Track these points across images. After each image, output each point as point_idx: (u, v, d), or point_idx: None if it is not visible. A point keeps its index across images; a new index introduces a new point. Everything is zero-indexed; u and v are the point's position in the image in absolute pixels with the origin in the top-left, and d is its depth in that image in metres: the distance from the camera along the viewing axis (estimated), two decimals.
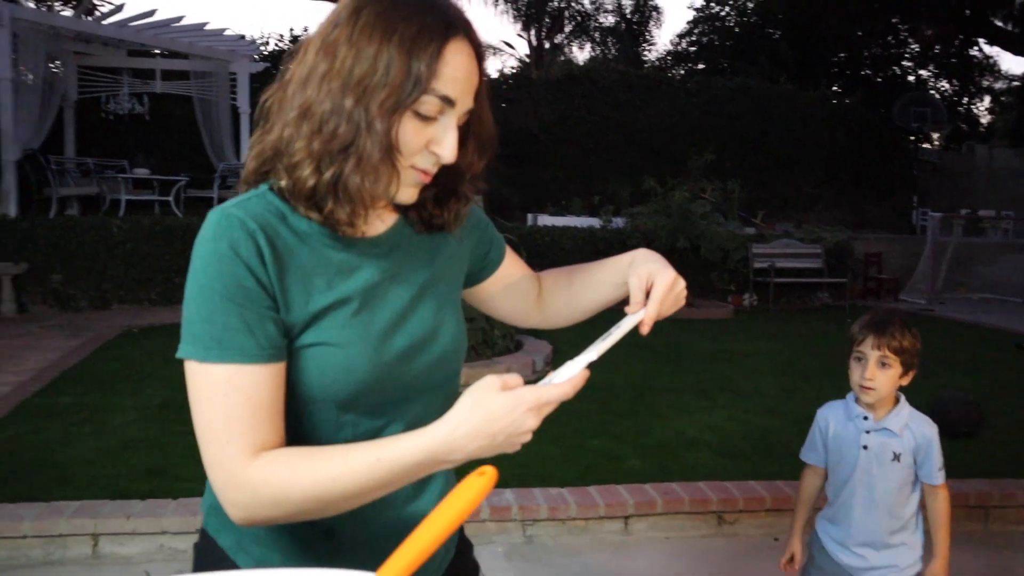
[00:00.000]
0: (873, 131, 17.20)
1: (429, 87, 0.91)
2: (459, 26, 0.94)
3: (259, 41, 13.25)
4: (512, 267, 1.29)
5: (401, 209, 1.07)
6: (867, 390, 2.03)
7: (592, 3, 21.85)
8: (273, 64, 13.10)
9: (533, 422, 0.87)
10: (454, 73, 0.93)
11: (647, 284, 1.07)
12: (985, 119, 26.90)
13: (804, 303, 10.82)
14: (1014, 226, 16.15)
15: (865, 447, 2.09)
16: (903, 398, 2.14)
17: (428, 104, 0.92)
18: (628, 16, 23.06)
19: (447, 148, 0.95)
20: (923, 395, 5.50)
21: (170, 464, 3.80)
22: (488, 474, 0.84)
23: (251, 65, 11.52)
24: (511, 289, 1.29)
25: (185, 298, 0.93)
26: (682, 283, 1.08)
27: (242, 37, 11.55)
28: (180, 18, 10.32)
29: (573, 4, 21.51)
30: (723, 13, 24.15)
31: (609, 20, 22.61)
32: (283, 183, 0.97)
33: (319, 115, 0.91)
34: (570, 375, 0.89)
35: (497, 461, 0.86)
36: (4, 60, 8.83)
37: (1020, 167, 18.45)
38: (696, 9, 24.44)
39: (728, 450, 4.28)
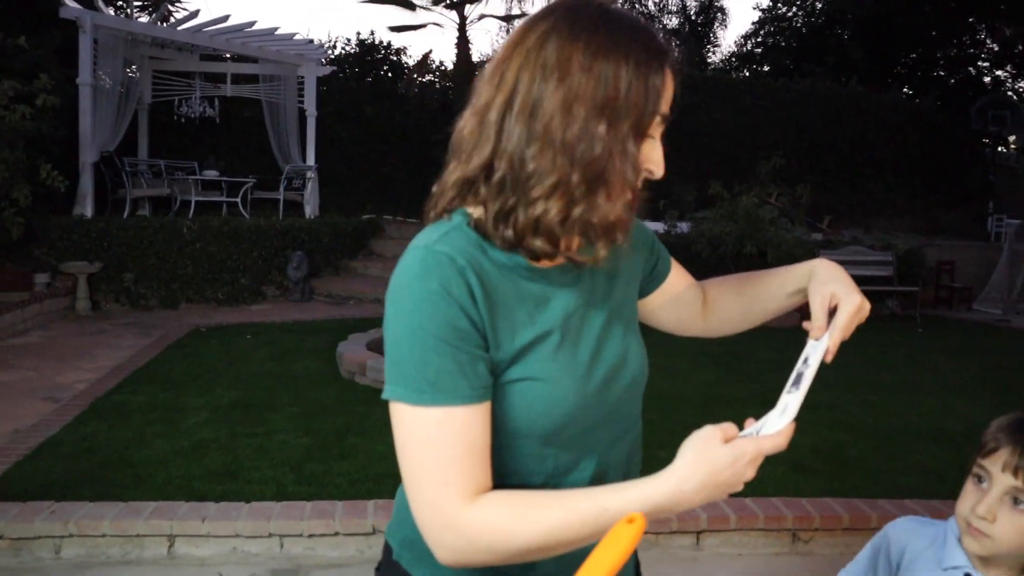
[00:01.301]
0: (947, 134, 16.66)
1: (659, 108, 0.92)
2: (669, 49, 0.94)
3: (327, 45, 13.43)
4: (678, 278, 1.26)
5: (591, 240, 1.03)
6: (978, 534, 1.24)
7: (656, 5, 21.66)
8: (340, 67, 13.27)
9: (751, 473, 0.87)
10: (670, 93, 0.94)
11: (831, 305, 1.03)
12: None
13: (872, 311, 10.47)
14: None
15: None
16: None
17: (655, 124, 0.93)
18: (693, 18, 22.79)
19: (661, 165, 0.96)
20: (1002, 411, 5.29)
21: (241, 467, 3.85)
22: (637, 521, 0.82)
23: (319, 68, 11.68)
24: (677, 301, 1.27)
25: (390, 338, 0.92)
26: (867, 307, 1.04)
27: (311, 41, 11.71)
28: (252, 23, 10.52)
29: (637, 5, 21.36)
30: (790, 14, 23.69)
31: (673, 22, 22.40)
32: (474, 211, 0.96)
33: (568, 144, 0.89)
34: (780, 427, 0.90)
35: None
36: (86, 66, 9.11)
37: None
38: (762, 10, 24.00)
39: (800, 465, 4.16)
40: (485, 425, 0.92)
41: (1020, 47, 20.50)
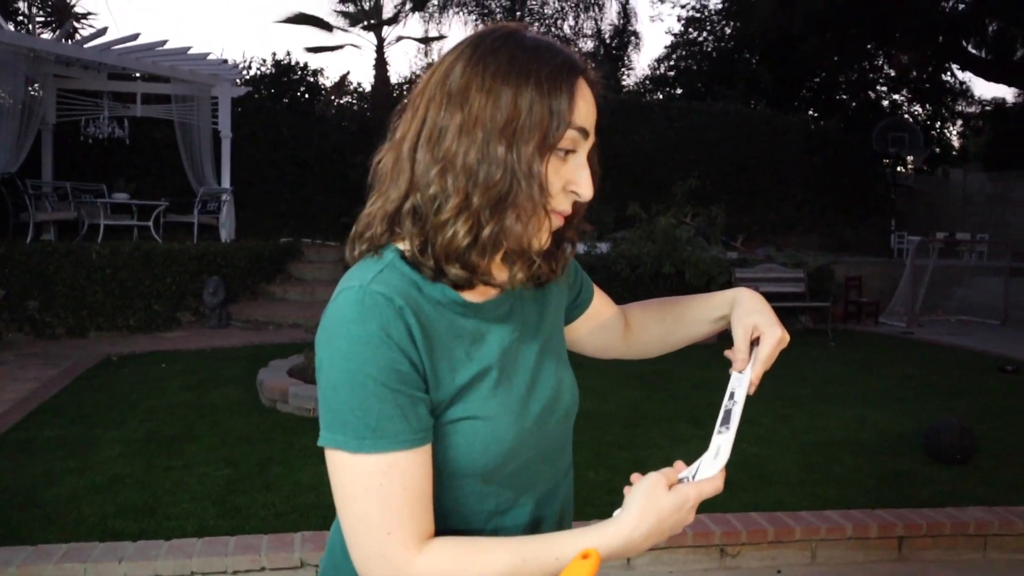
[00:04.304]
0: (850, 155, 17.40)
1: (570, 121, 0.90)
2: (581, 65, 0.94)
3: (242, 65, 13.17)
4: (601, 306, 1.27)
5: (510, 265, 1.02)
6: None
7: (571, 28, 22.02)
8: (255, 88, 13.02)
9: (692, 517, 0.90)
10: (586, 106, 0.93)
11: (753, 336, 1.06)
12: (956, 143, 27.31)
13: (786, 327, 10.83)
14: (989, 249, 16.42)
15: None
16: None
17: (568, 138, 0.91)
18: (607, 41, 23.25)
19: (586, 185, 0.94)
20: (913, 421, 5.54)
21: (159, 502, 3.70)
22: (592, 556, 0.83)
23: (233, 89, 11.44)
24: (601, 327, 1.27)
25: (326, 383, 0.88)
26: (787, 339, 1.06)
27: (225, 61, 11.47)
28: (164, 42, 10.24)
29: (553, 29, 21.67)
30: (700, 38, 24.42)
31: (588, 45, 22.79)
32: (404, 246, 0.94)
33: (468, 167, 0.88)
34: (714, 472, 0.92)
35: None
36: None
37: (993, 191, 18.76)
38: (674, 34, 24.72)
39: (726, 480, 4.22)
40: (427, 469, 0.90)
41: (914, 73, 21.59)
